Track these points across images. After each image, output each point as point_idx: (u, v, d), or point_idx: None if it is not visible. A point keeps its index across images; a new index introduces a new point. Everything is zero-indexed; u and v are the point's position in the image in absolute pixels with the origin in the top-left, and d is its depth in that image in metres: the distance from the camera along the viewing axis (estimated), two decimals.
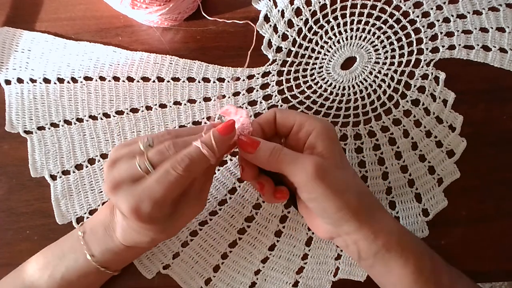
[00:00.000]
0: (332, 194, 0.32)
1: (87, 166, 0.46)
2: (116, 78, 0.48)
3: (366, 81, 0.48)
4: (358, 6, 0.49)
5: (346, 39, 0.49)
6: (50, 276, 0.37)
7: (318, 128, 0.35)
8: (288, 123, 0.37)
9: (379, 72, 0.48)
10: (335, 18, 0.49)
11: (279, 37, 0.49)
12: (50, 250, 0.39)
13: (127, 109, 0.47)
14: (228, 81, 0.48)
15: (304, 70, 0.48)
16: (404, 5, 0.49)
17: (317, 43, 0.49)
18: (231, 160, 0.46)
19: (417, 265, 0.34)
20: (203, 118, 0.47)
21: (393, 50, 0.48)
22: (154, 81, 0.47)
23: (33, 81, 0.47)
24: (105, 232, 0.37)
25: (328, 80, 0.48)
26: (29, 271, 0.38)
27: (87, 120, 0.47)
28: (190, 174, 0.32)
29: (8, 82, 0.47)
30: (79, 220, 0.45)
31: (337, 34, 0.49)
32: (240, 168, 0.36)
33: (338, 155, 0.35)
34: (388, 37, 0.48)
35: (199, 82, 0.47)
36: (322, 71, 0.48)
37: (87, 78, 0.47)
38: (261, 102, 0.47)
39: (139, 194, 0.31)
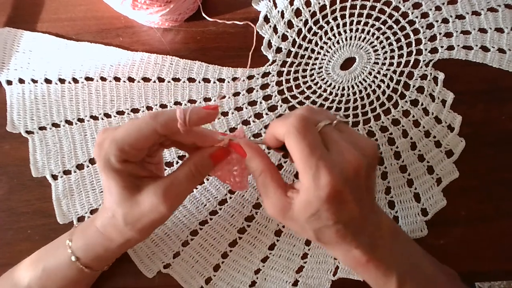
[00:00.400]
0: (295, 231, 0.35)
1: (88, 166, 0.46)
2: (117, 79, 0.48)
3: (365, 81, 0.48)
4: (358, 7, 0.49)
5: (346, 39, 0.49)
6: (34, 271, 0.38)
7: (302, 194, 0.31)
8: (281, 138, 0.32)
9: (378, 72, 0.48)
10: (335, 19, 0.49)
11: (279, 37, 0.49)
12: (38, 251, 0.40)
13: (128, 109, 0.47)
14: (228, 82, 0.48)
15: (304, 70, 0.48)
16: (403, 6, 0.49)
17: (316, 44, 0.49)
18: None
19: None
20: None
21: (392, 50, 0.48)
22: (154, 82, 0.48)
23: (34, 81, 0.47)
24: (90, 221, 0.37)
25: (327, 81, 0.48)
26: (18, 267, 0.39)
27: (88, 120, 0.47)
28: (154, 122, 0.32)
29: (9, 82, 0.47)
30: (80, 219, 0.45)
31: (336, 35, 0.49)
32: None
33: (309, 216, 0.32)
34: (387, 38, 0.49)
35: (199, 82, 0.48)
36: (321, 72, 0.48)
37: (88, 79, 0.48)
38: (261, 103, 0.48)
39: (108, 133, 0.32)
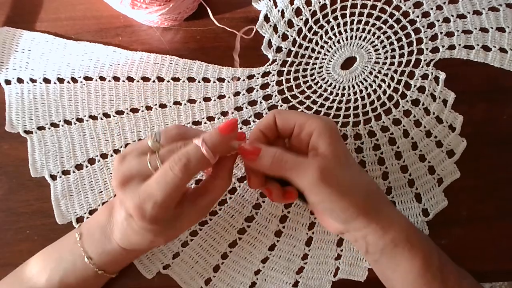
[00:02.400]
0: (338, 195, 0.33)
1: (87, 166, 0.46)
2: (116, 78, 0.48)
3: (366, 81, 0.48)
4: (358, 6, 0.49)
5: (346, 39, 0.49)
6: (48, 280, 0.37)
7: (318, 128, 0.34)
8: (289, 126, 0.36)
9: (379, 72, 0.48)
10: (335, 18, 0.49)
11: (279, 37, 0.49)
12: (48, 252, 0.39)
13: (127, 109, 0.47)
14: (228, 81, 0.48)
15: (304, 70, 0.48)
16: (404, 5, 0.49)
17: (317, 43, 0.49)
18: None
19: (424, 261, 0.35)
20: (203, 118, 0.47)
21: (393, 50, 0.48)
22: (154, 81, 0.47)
23: (33, 81, 0.47)
24: (102, 234, 0.37)
25: (328, 80, 0.48)
26: (27, 274, 0.38)
27: (87, 120, 0.47)
28: (188, 174, 0.31)
29: (8, 82, 0.47)
30: (79, 220, 0.45)
31: (337, 34, 0.49)
32: (247, 177, 0.36)
33: (342, 154, 0.35)
34: (388, 37, 0.48)
35: (199, 82, 0.48)
36: (322, 71, 0.48)
37: (87, 78, 0.47)
38: (261, 102, 0.47)
39: (144, 192, 0.31)
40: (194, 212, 0.35)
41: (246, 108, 0.47)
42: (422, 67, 0.48)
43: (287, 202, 0.37)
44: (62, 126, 0.46)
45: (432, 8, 0.49)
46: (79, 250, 0.37)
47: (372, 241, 0.35)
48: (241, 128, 0.47)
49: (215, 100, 0.47)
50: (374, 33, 0.49)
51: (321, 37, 0.49)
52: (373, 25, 0.49)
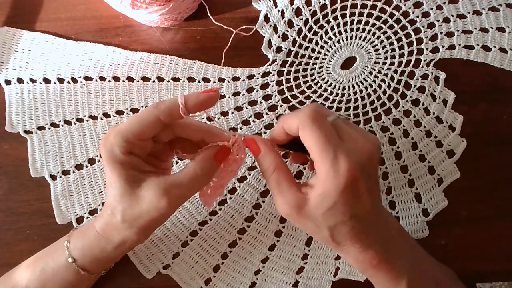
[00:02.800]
0: (309, 231, 0.33)
1: (87, 166, 0.46)
2: (116, 78, 0.48)
3: (366, 81, 0.48)
4: (358, 6, 0.49)
5: (346, 39, 0.49)
6: (29, 281, 0.37)
7: (319, 185, 0.31)
8: (294, 131, 0.33)
9: (379, 72, 0.48)
10: (335, 18, 0.49)
11: (279, 37, 0.49)
12: (36, 256, 0.40)
13: (127, 109, 0.47)
14: (228, 81, 0.48)
15: (304, 70, 0.48)
16: (404, 5, 0.49)
17: (317, 43, 0.49)
18: None
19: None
20: (203, 118, 0.47)
21: (393, 50, 0.48)
22: (154, 81, 0.47)
23: (33, 81, 0.47)
24: (87, 228, 0.37)
25: (328, 80, 0.48)
26: (14, 276, 0.39)
27: (87, 120, 0.47)
28: (157, 109, 0.32)
29: (8, 82, 0.47)
30: (79, 220, 0.45)
31: (337, 34, 0.49)
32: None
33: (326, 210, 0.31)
34: (388, 37, 0.48)
35: (199, 82, 0.47)
36: (322, 71, 0.48)
37: (87, 78, 0.47)
38: (261, 102, 0.47)
39: (114, 127, 0.33)
40: (151, 186, 0.33)
41: (246, 108, 0.47)
42: (422, 67, 0.48)
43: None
44: (62, 126, 0.46)
45: (432, 8, 0.49)
46: (64, 251, 0.37)
47: (352, 263, 0.35)
48: (241, 128, 0.47)
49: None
50: (374, 33, 0.49)
51: (321, 37, 0.49)
52: (373, 25, 0.49)
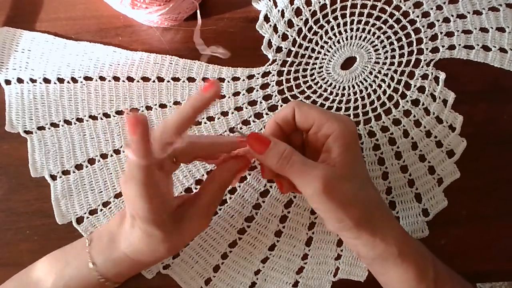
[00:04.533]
0: (336, 207, 0.33)
1: (87, 166, 0.46)
2: (116, 78, 0.48)
3: (366, 81, 0.48)
4: (358, 6, 0.49)
5: (346, 39, 0.49)
6: (53, 284, 0.37)
7: (336, 132, 0.34)
8: (307, 123, 0.36)
9: (379, 72, 0.48)
10: (335, 18, 0.49)
11: (279, 37, 0.48)
12: (55, 256, 0.39)
13: (127, 109, 0.47)
14: (228, 81, 0.48)
15: (304, 70, 0.48)
16: (404, 5, 0.49)
17: (317, 43, 0.49)
18: None
19: (417, 274, 0.35)
20: (203, 118, 0.47)
21: (393, 50, 0.48)
22: (154, 81, 0.47)
23: (33, 81, 0.47)
24: (111, 240, 0.37)
25: (328, 80, 0.48)
26: (34, 276, 0.38)
27: (87, 120, 0.47)
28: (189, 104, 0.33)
29: (8, 82, 0.47)
30: (79, 220, 0.45)
31: (337, 34, 0.49)
32: (260, 168, 0.37)
33: (351, 164, 0.34)
34: (388, 37, 0.48)
35: (199, 82, 0.47)
36: (322, 71, 0.48)
37: (87, 78, 0.47)
38: (261, 102, 0.47)
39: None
40: (195, 215, 0.35)
41: (246, 108, 0.47)
42: (422, 67, 0.48)
43: (298, 193, 0.38)
44: (62, 126, 0.46)
45: (432, 8, 0.49)
46: (86, 256, 0.37)
47: (363, 252, 0.36)
48: (241, 128, 0.47)
49: (215, 100, 0.47)
50: (374, 33, 0.49)
51: (321, 37, 0.49)
52: (373, 25, 0.49)
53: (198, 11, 0.43)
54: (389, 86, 0.47)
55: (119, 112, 0.47)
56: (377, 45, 0.48)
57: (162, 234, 0.33)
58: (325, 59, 0.48)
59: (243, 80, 0.48)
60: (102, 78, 0.48)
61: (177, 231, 0.35)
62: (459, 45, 0.48)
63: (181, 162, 0.36)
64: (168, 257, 0.36)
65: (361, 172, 0.36)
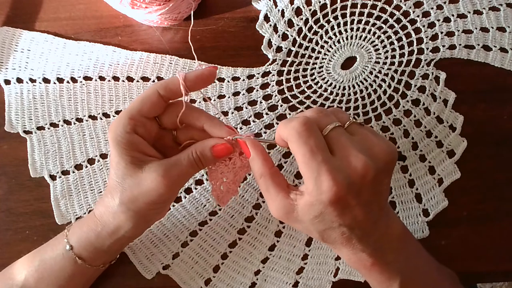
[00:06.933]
0: (302, 231, 0.35)
1: (86, 166, 0.46)
2: (115, 78, 0.47)
3: (367, 81, 0.48)
4: (359, 6, 0.49)
5: (346, 38, 0.48)
6: (31, 263, 0.38)
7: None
8: (284, 143, 0.34)
9: (380, 72, 0.48)
10: (335, 18, 0.49)
11: (279, 37, 0.48)
12: (34, 251, 0.40)
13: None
14: (228, 81, 0.47)
15: (304, 70, 0.48)
16: (405, 4, 0.49)
17: (317, 43, 0.48)
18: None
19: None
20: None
21: (393, 49, 0.48)
22: (154, 81, 0.47)
23: (32, 81, 0.47)
24: (88, 217, 0.37)
25: (328, 80, 0.48)
26: (16, 262, 0.39)
27: (86, 120, 0.47)
28: (158, 85, 0.34)
29: (7, 82, 0.47)
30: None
31: (337, 34, 0.49)
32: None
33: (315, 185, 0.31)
34: (389, 37, 0.48)
35: None
36: (322, 71, 0.48)
37: (86, 78, 0.47)
38: (261, 102, 0.47)
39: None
40: (155, 168, 0.34)
41: (246, 108, 0.47)
42: (423, 67, 0.48)
43: None
44: (62, 126, 0.46)
45: (432, 8, 0.49)
46: (63, 241, 0.37)
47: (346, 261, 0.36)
48: (241, 128, 0.47)
49: (215, 100, 0.47)
50: (374, 33, 0.48)
51: (321, 37, 0.49)
52: (374, 24, 0.49)
53: (192, 13, 0.43)
54: (389, 86, 0.47)
55: (119, 112, 0.47)
56: (377, 44, 0.48)
57: (129, 159, 0.34)
58: (325, 59, 0.48)
59: (243, 80, 0.48)
60: (101, 78, 0.47)
61: (135, 181, 0.34)
62: (460, 45, 0.48)
63: (165, 126, 0.36)
64: (128, 224, 0.35)
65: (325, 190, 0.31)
